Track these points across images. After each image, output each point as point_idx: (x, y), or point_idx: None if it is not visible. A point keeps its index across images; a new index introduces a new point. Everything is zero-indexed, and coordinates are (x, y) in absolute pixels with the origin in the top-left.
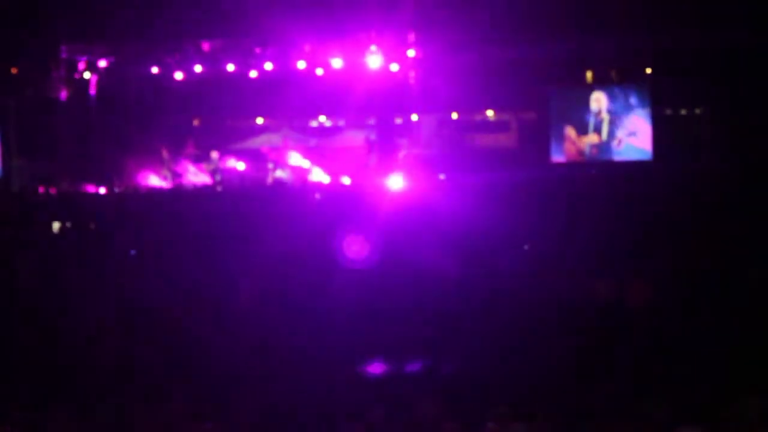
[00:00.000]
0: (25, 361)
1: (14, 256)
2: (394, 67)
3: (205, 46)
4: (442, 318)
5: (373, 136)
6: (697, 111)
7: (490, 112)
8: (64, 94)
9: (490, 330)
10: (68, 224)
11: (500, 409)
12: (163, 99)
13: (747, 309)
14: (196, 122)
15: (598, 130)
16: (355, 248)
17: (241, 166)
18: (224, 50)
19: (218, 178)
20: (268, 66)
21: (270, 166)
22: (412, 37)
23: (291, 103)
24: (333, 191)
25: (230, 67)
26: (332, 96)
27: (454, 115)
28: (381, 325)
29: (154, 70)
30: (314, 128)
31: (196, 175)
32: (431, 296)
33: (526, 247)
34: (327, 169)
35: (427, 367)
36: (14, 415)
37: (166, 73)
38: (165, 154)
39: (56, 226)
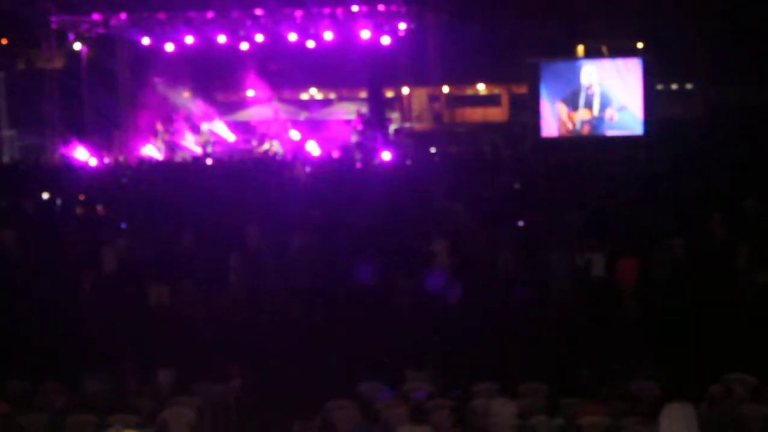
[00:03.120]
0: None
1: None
2: (386, 40)
3: (196, 17)
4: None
5: (364, 110)
6: (688, 86)
7: (480, 86)
8: (54, 66)
9: None
10: (58, 195)
11: None
12: (154, 70)
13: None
14: (186, 95)
15: (589, 105)
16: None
17: (231, 138)
18: (215, 22)
19: (210, 150)
20: (259, 38)
21: (254, 142)
22: (403, 9)
23: (281, 75)
24: (322, 164)
25: (221, 39)
26: (323, 69)
27: (445, 89)
28: None
29: (145, 41)
30: (304, 101)
31: (187, 147)
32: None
33: (521, 223)
34: (317, 142)
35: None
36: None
37: (157, 45)
38: (159, 126)
39: (46, 197)
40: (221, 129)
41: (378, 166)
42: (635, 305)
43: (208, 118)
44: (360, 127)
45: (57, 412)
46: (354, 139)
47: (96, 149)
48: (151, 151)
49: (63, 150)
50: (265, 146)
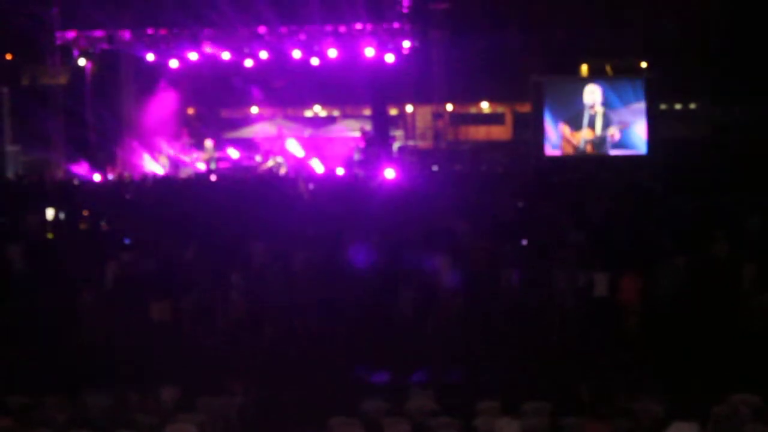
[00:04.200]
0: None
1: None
2: (390, 58)
3: (201, 34)
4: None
5: (367, 127)
6: (692, 106)
7: (484, 104)
8: (58, 81)
9: None
10: (62, 211)
11: None
12: (158, 87)
13: None
14: (190, 111)
15: (592, 124)
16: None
17: (235, 155)
18: (220, 38)
19: (213, 166)
20: (264, 55)
21: (258, 158)
22: (407, 27)
23: (285, 92)
24: (326, 181)
25: (226, 56)
26: (327, 86)
27: (449, 107)
28: None
29: (150, 57)
30: (308, 118)
31: (191, 164)
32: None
33: (524, 241)
34: (321, 159)
35: None
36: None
37: (162, 61)
38: (162, 142)
39: (50, 213)
40: (225, 145)
41: (381, 183)
42: (638, 324)
43: (212, 135)
44: (363, 144)
45: (59, 428)
46: (357, 156)
47: (100, 165)
48: (155, 167)
49: (67, 165)
50: (270, 163)
